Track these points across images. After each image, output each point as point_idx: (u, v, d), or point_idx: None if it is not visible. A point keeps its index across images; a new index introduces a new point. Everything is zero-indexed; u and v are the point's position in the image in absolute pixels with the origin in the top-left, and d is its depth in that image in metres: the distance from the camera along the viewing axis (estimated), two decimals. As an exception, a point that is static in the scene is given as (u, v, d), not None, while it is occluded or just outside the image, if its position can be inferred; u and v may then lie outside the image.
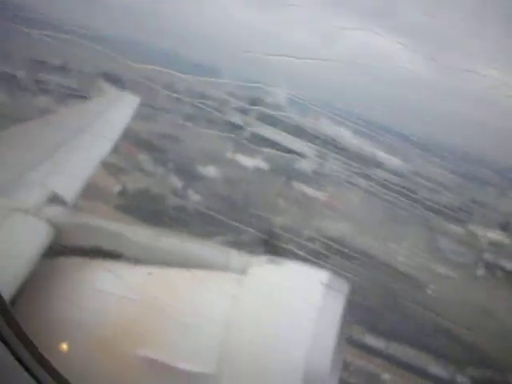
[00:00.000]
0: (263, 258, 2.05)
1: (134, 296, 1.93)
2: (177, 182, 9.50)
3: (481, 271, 16.90)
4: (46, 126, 3.90)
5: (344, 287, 1.91)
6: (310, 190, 16.67)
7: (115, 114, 4.72)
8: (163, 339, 1.84)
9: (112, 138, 3.98)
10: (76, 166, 3.25)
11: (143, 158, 9.32)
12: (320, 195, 17.62)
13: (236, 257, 2.09)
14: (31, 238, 2.12)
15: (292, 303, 1.82)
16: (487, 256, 17.30)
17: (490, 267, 16.36)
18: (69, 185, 2.91)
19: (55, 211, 2.37)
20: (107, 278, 2.03)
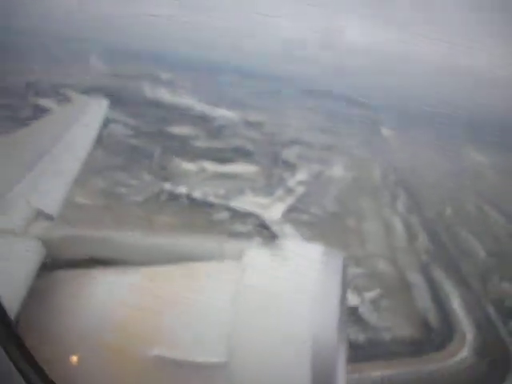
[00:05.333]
0: (256, 241, 2.09)
1: (134, 298, 1.95)
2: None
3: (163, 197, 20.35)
4: (17, 141, 3.86)
5: (339, 257, 1.98)
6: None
7: (86, 120, 4.65)
8: (171, 336, 1.85)
9: (87, 145, 3.98)
10: (55, 179, 3.21)
11: None
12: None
13: (230, 244, 2.11)
14: (24, 258, 2.10)
15: (292, 279, 1.85)
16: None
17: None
18: (51, 199, 2.87)
19: (42, 227, 2.35)
20: (105, 285, 2.04)
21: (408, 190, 32.53)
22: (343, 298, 1.82)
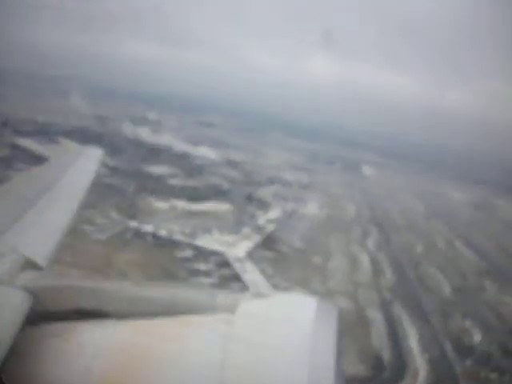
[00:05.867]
0: (249, 294, 2.08)
1: (123, 352, 1.93)
2: None
3: (128, 235, 21.12)
4: (9, 190, 3.90)
5: (333, 310, 1.95)
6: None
7: (80, 170, 4.72)
8: None
9: (79, 195, 3.98)
10: (46, 228, 3.21)
11: None
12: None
13: (223, 296, 2.05)
14: (9, 308, 2.06)
15: (284, 335, 1.81)
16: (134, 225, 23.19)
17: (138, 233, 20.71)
18: (41, 248, 2.88)
19: (30, 277, 2.34)
20: (94, 339, 2.01)
21: (381, 226, 32.88)
22: (338, 350, 1.78)
